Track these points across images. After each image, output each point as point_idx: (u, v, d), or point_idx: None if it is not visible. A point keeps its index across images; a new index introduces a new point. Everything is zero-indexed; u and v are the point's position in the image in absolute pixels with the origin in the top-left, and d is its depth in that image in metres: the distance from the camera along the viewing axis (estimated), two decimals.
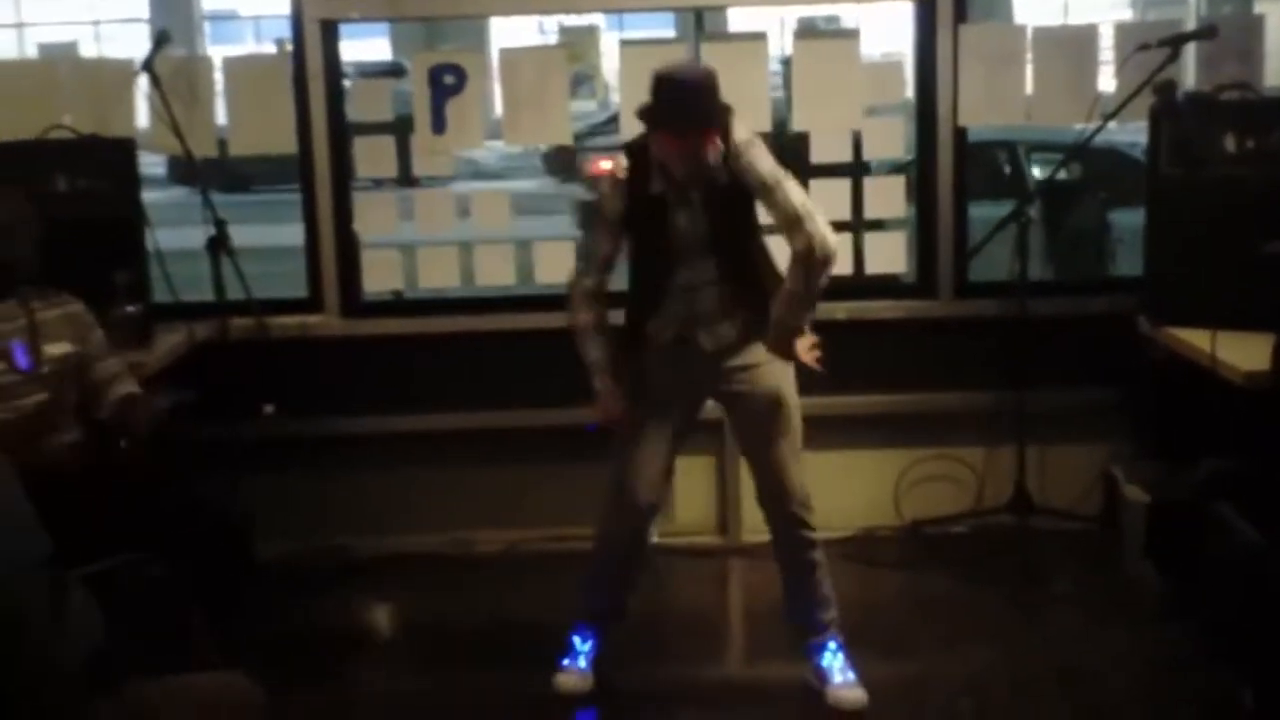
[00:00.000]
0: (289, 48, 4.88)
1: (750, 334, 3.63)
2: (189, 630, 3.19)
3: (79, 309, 3.63)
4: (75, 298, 3.64)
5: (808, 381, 3.70)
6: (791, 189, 3.51)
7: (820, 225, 3.48)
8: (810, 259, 3.47)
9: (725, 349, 3.64)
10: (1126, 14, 20.64)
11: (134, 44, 18.20)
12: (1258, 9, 9.01)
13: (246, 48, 20.79)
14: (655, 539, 4.87)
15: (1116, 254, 8.05)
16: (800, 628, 3.83)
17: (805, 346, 3.63)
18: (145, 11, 22.06)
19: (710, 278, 3.59)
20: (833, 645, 3.77)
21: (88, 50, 20.20)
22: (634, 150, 3.60)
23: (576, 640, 3.85)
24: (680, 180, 3.51)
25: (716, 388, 3.71)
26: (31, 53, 20.15)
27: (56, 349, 3.50)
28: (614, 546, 3.82)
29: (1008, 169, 8.30)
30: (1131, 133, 6.19)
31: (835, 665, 3.75)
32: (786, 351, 3.61)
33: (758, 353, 3.63)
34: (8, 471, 2.30)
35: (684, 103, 3.43)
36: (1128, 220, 7.91)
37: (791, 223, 3.48)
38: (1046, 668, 3.91)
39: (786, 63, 5.38)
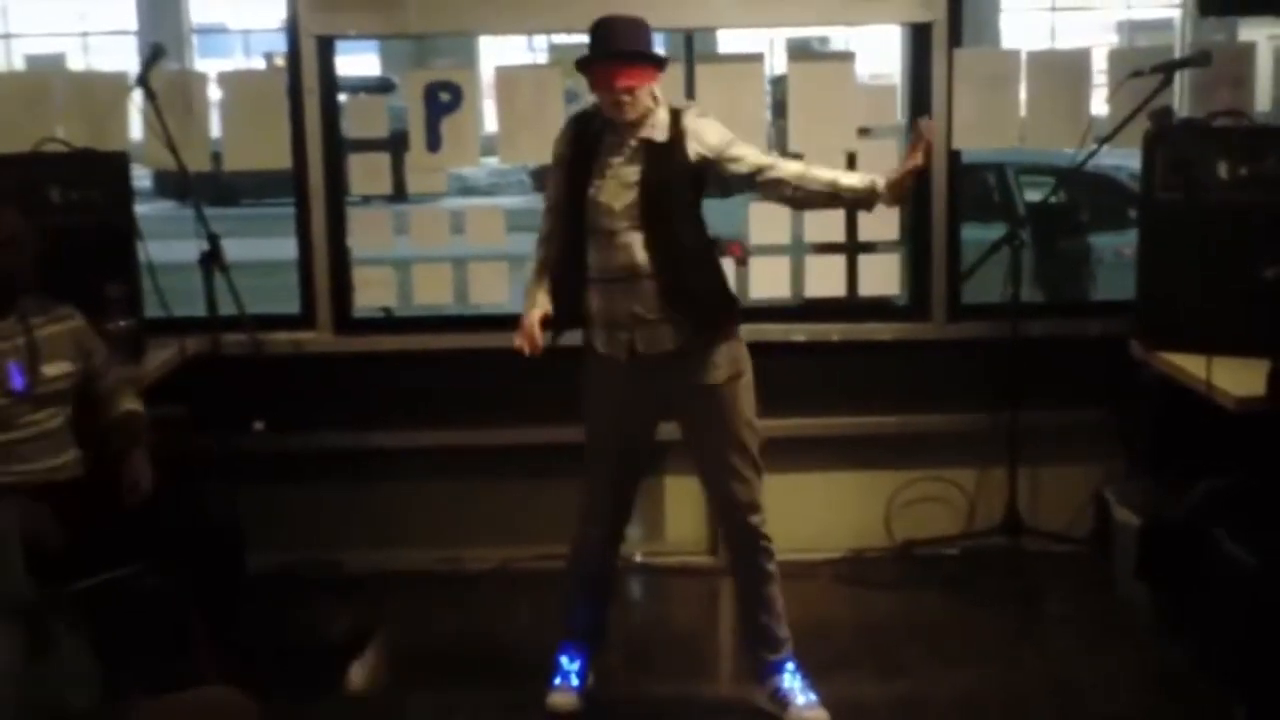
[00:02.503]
0: (279, 62, 4.88)
1: (695, 343, 3.56)
2: (185, 641, 3.18)
3: (80, 324, 3.61)
4: (75, 310, 3.62)
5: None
6: (746, 145, 3.60)
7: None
8: (794, 170, 3.59)
9: (669, 357, 3.56)
10: (1113, 39, 20.79)
11: (123, 56, 18.20)
12: (1243, 34, 9.09)
13: (235, 61, 20.77)
14: (641, 558, 4.89)
15: (1097, 276, 8.09)
16: (757, 648, 3.79)
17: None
18: (134, 24, 22.02)
19: (645, 264, 3.49)
20: (790, 666, 3.76)
21: (76, 62, 20.19)
22: (584, 109, 3.67)
23: (564, 660, 3.84)
24: (617, 128, 3.50)
25: (673, 406, 3.67)
26: (19, 64, 20.13)
27: (54, 369, 3.47)
28: (581, 568, 3.83)
29: (997, 192, 8.32)
30: (1120, 157, 6.21)
31: (796, 686, 3.73)
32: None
33: (713, 370, 3.59)
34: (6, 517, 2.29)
35: (623, 32, 3.49)
36: (1108, 243, 7.97)
37: (761, 167, 3.56)
38: (1039, 688, 3.92)
39: (775, 82, 5.40)
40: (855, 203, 3.67)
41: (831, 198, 3.62)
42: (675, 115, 3.56)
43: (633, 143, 3.51)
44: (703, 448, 3.69)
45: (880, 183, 3.53)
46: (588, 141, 3.57)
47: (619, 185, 3.50)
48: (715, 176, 3.59)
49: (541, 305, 3.65)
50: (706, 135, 3.55)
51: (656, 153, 3.51)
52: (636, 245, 3.49)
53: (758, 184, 3.60)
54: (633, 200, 3.49)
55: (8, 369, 3.38)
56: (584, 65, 3.52)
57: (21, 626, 2.23)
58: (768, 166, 3.58)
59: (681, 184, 3.54)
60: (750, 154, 3.59)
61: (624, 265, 3.51)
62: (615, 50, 3.46)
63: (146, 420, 3.60)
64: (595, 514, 3.76)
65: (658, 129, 3.52)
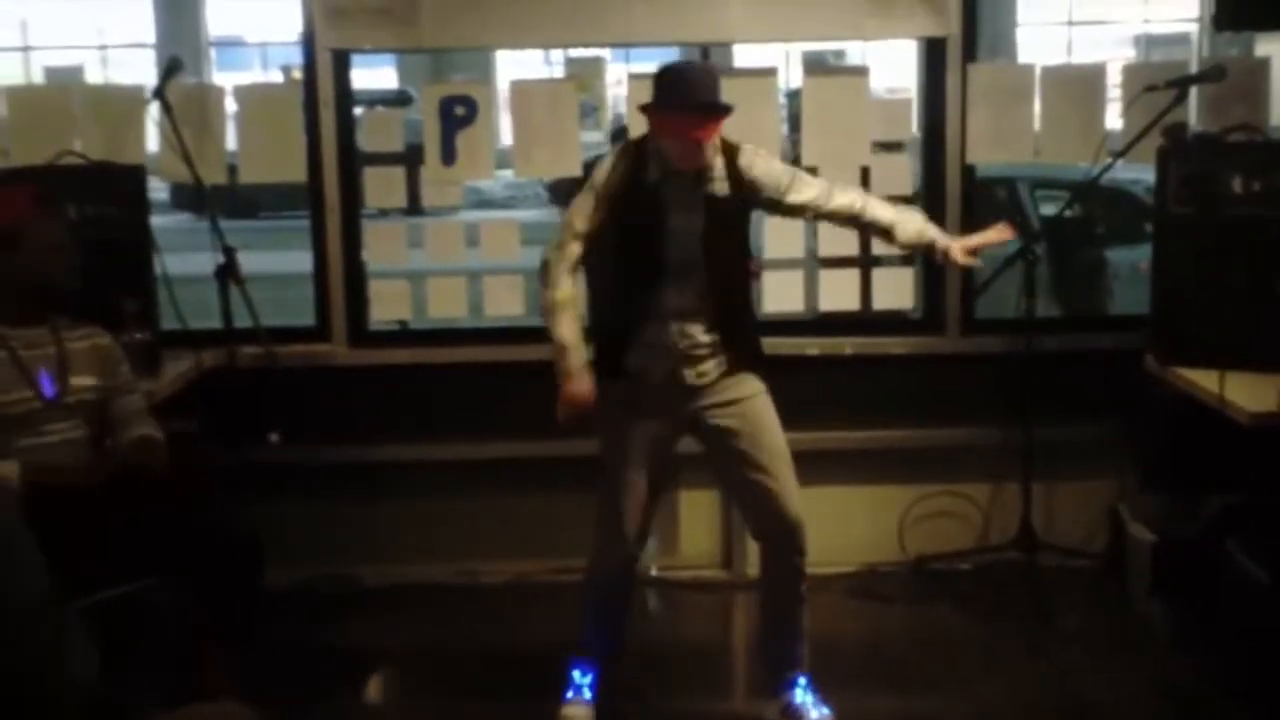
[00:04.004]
0: (296, 75, 4.90)
1: (734, 370, 3.60)
2: (198, 656, 3.18)
3: (108, 342, 3.65)
4: (103, 329, 3.65)
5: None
6: (805, 181, 3.67)
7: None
8: (865, 202, 3.70)
9: (708, 385, 3.59)
10: (1129, 53, 20.75)
11: (141, 69, 18.28)
12: (1259, 49, 9.07)
13: (253, 74, 20.85)
14: (655, 572, 4.88)
15: (1114, 291, 8.06)
16: (775, 664, 3.79)
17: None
18: (152, 37, 22.15)
19: (699, 306, 3.53)
20: (803, 681, 3.75)
21: (94, 74, 20.27)
22: (634, 143, 3.61)
23: (577, 674, 3.84)
24: (679, 174, 3.49)
25: (702, 423, 3.63)
26: (37, 76, 20.24)
27: (82, 380, 3.50)
28: (602, 587, 3.80)
29: (1011, 207, 8.30)
30: (1137, 171, 6.20)
31: (808, 701, 3.73)
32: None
33: (744, 386, 3.61)
34: (9, 501, 2.29)
35: (698, 83, 3.48)
36: (1125, 257, 7.95)
37: (828, 194, 3.66)
38: (1053, 704, 3.91)
39: (790, 96, 5.40)
40: (907, 249, 3.89)
41: (887, 236, 3.75)
42: (730, 155, 3.56)
43: (696, 191, 3.52)
44: (746, 461, 3.61)
45: (936, 242, 3.71)
46: (645, 182, 3.52)
47: (688, 228, 3.51)
48: (771, 207, 3.66)
49: (585, 360, 3.58)
50: (764, 178, 3.59)
51: (718, 203, 3.54)
52: (699, 284, 3.52)
53: (817, 217, 3.74)
54: (699, 246, 3.51)
55: (39, 375, 3.42)
56: (652, 111, 3.50)
57: (31, 624, 2.23)
58: (824, 200, 3.66)
59: (739, 228, 3.62)
60: (809, 192, 3.65)
61: (689, 302, 3.52)
62: (696, 103, 3.44)
63: (163, 446, 3.61)
64: (619, 534, 3.70)
65: (717, 181, 3.54)
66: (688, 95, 3.44)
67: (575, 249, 3.57)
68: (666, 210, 3.50)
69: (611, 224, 3.55)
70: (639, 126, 4.59)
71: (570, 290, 3.58)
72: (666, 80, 3.49)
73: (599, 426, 3.69)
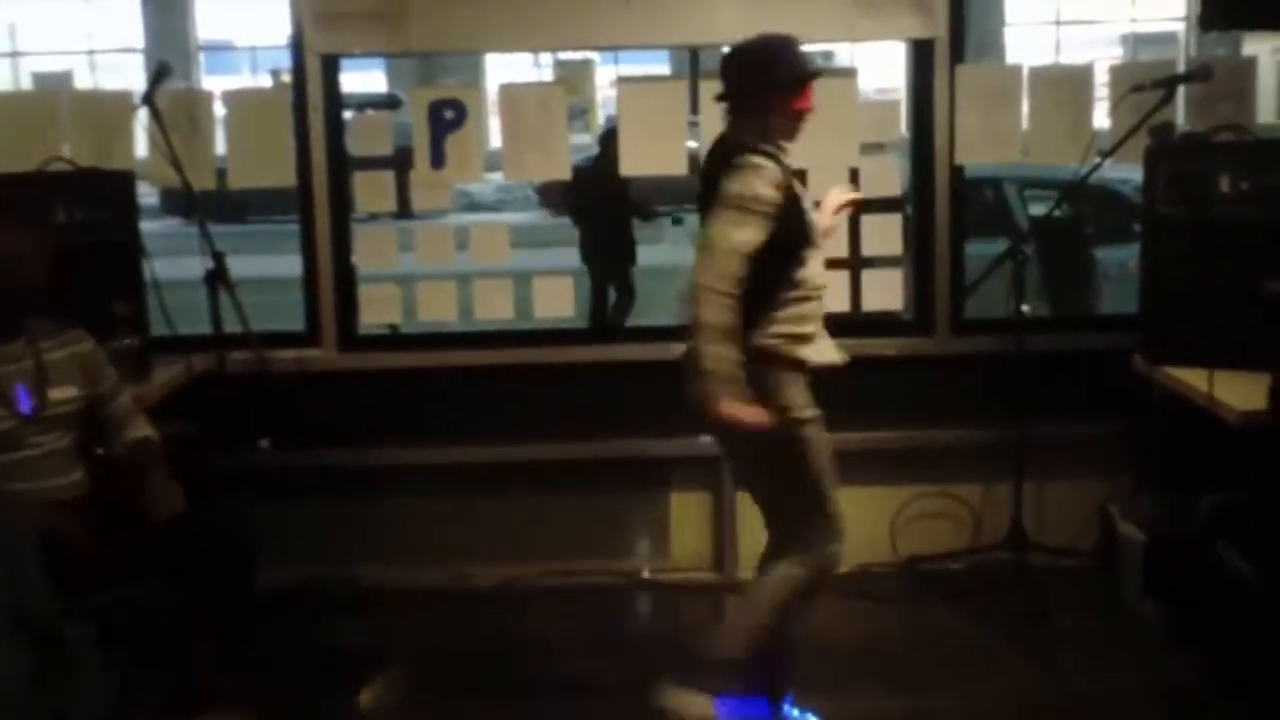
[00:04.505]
0: (285, 79, 4.91)
1: None
2: (194, 658, 3.18)
3: (89, 348, 3.59)
4: (86, 334, 3.61)
5: None
6: None
7: None
8: None
9: None
10: (1116, 53, 20.81)
11: (130, 74, 18.27)
12: (1246, 48, 9.12)
13: (242, 79, 20.84)
14: (647, 574, 4.89)
15: (1103, 290, 8.08)
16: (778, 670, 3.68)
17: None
18: (140, 41, 22.13)
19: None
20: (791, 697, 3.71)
21: (82, 79, 20.25)
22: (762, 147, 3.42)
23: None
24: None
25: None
26: (26, 81, 20.21)
27: (62, 392, 3.45)
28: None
29: (1000, 207, 8.32)
30: (1126, 170, 6.22)
31: (795, 714, 3.70)
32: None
33: None
34: (27, 531, 2.30)
35: (799, 54, 3.44)
36: (1115, 257, 7.97)
37: None
38: (1047, 703, 3.92)
39: None
40: None
41: None
42: None
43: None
44: None
45: None
46: (789, 172, 3.44)
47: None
48: None
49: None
50: None
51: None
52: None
53: None
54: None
55: (15, 391, 3.37)
56: (798, 77, 3.40)
57: (34, 636, 2.24)
58: None
59: None
60: None
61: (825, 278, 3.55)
62: (808, 73, 3.42)
63: (159, 445, 3.59)
64: (841, 531, 3.61)
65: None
66: (803, 66, 3.42)
67: (741, 268, 3.29)
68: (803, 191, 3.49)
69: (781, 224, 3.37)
70: (628, 128, 4.65)
71: (733, 325, 3.29)
72: (765, 59, 3.40)
73: (796, 433, 3.49)
